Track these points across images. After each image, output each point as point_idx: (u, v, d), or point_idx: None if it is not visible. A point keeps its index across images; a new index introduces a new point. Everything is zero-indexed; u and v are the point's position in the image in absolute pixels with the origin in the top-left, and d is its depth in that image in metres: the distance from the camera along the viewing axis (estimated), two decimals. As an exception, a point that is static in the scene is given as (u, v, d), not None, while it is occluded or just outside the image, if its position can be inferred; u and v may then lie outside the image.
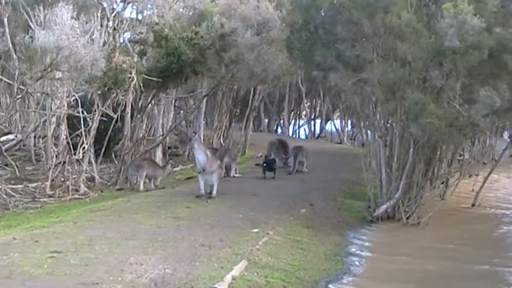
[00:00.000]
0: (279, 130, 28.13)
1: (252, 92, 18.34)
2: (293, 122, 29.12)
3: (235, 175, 12.54)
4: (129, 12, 15.32)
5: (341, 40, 9.23)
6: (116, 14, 12.36)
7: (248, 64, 12.60)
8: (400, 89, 8.60)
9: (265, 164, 12.55)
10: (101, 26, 11.17)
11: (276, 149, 14.12)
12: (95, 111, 11.40)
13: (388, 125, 10.16)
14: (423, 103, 8.11)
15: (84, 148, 11.31)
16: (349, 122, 26.40)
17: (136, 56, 12.32)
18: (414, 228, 9.40)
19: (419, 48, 8.37)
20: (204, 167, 9.64)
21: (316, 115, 28.94)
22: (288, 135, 26.03)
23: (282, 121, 28.09)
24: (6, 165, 11.76)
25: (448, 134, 8.36)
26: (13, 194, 10.12)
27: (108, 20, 11.83)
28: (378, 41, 8.99)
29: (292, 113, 29.11)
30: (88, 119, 11.33)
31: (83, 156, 11.31)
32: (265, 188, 11.09)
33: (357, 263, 7.33)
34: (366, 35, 9.10)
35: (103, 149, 12.50)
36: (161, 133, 14.89)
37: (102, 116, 11.55)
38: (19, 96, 10.43)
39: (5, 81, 11.78)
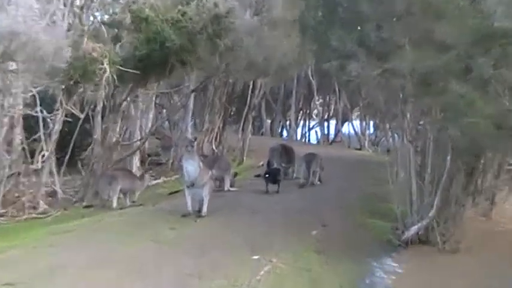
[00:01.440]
0: (285, 133, 28.22)
1: (251, 87, 18.36)
2: (302, 123, 29.23)
3: (231, 189, 12.53)
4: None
5: (365, 21, 9.20)
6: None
7: (247, 52, 12.59)
8: (438, 80, 8.55)
9: (267, 175, 12.53)
10: (65, 5, 11.18)
11: (279, 156, 14.13)
12: (58, 110, 11.39)
13: (420, 127, 10.13)
14: (471, 98, 8.05)
15: (43, 156, 11.29)
16: (371, 123, 26.47)
17: (109, 42, 12.33)
18: (452, 256, 9.34)
19: (462, 30, 8.31)
20: (194, 180, 9.67)
21: (331, 115, 29.06)
22: (296, 139, 26.11)
23: (288, 122, 28.18)
24: None
25: (497, 137, 8.31)
26: (-46, 212, 10.12)
27: (74, -2, 11.86)
28: (412, 21, 8.91)
29: (301, 112, 29.25)
30: (49, 119, 11.33)
31: (42, 166, 11.31)
32: (267, 203, 11.12)
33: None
34: (398, 14, 9.04)
35: (67, 157, 12.48)
36: (139, 137, 14.90)
37: (66, 116, 11.54)
38: (-37, 92, 10.45)
39: None
